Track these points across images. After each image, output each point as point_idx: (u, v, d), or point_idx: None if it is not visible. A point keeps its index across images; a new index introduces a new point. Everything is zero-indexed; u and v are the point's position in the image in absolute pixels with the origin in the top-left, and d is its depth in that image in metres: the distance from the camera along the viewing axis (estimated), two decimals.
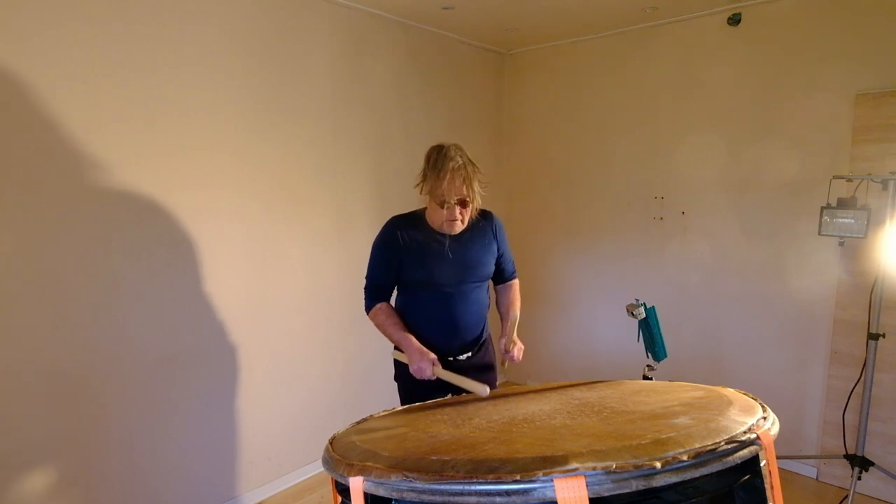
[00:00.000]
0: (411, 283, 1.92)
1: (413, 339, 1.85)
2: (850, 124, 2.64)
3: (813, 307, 2.84)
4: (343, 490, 1.11)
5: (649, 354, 2.17)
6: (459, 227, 1.85)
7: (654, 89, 3.28)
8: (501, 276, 2.10)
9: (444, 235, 1.88)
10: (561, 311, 3.87)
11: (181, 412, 2.40)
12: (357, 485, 1.00)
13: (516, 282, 2.15)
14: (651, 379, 2.10)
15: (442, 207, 1.79)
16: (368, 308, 1.98)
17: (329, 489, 1.33)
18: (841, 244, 2.50)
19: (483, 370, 2.02)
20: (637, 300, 2.13)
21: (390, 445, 1.16)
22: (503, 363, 1.96)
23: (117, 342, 2.18)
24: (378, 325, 1.95)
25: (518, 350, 1.94)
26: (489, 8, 2.97)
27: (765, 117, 2.89)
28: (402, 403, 2.02)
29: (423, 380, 1.81)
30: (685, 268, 3.25)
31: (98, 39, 2.05)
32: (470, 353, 1.99)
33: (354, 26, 2.93)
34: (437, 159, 1.75)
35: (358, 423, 1.49)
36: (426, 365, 1.76)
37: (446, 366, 1.87)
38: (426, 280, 1.89)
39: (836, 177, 2.49)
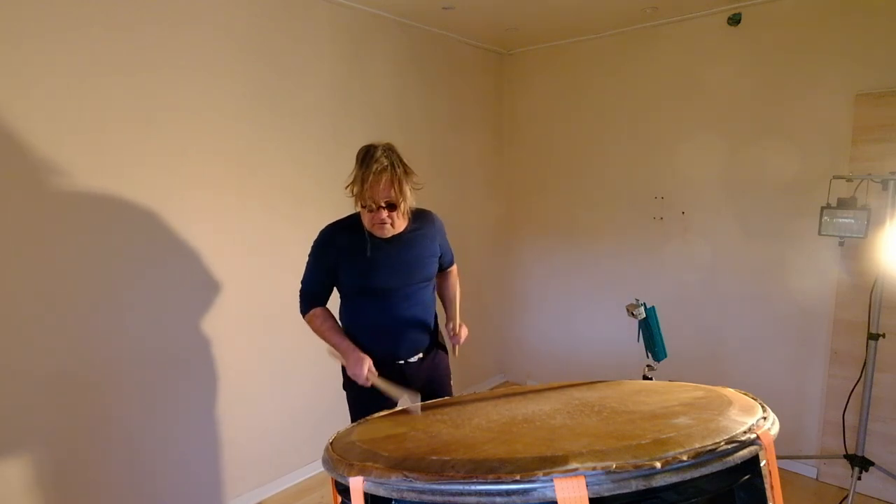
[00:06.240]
0: (351, 288, 1.87)
1: (349, 343, 1.81)
2: (850, 124, 2.64)
3: (813, 307, 2.84)
4: (343, 490, 1.11)
5: (649, 354, 2.17)
6: (390, 230, 1.77)
7: (654, 89, 3.28)
8: (440, 268, 2.04)
9: (381, 239, 1.81)
10: (561, 310, 3.87)
11: (182, 412, 2.40)
12: (357, 485, 1.00)
13: (454, 268, 2.14)
14: (651, 379, 2.10)
15: (368, 211, 1.73)
16: (304, 313, 1.93)
17: (329, 489, 1.33)
18: (841, 244, 2.49)
19: (435, 380, 1.99)
20: (637, 300, 2.13)
21: (390, 445, 1.16)
22: (454, 348, 1.97)
23: (118, 343, 2.18)
24: (315, 330, 1.89)
25: (463, 333, 1.94)
26: (489, 8, 2.97)
27: (765, 117, 2.89)
28: (351, 413, 1.97)
29: (363, 386, 1.77)
30: (685, 268, 3.25)
31: (98, 40, 2.05)
32: (421, 355, 1.94)
33: (354, 26, 2.92)
34: (364, 161, 1.68)
35: (358, 423, 1.49)
36: (361, 371, 1.73)
37: (395, 370, 1.86)
38: (366, 285, 1.83)
39: (836, 177, 2.49)
